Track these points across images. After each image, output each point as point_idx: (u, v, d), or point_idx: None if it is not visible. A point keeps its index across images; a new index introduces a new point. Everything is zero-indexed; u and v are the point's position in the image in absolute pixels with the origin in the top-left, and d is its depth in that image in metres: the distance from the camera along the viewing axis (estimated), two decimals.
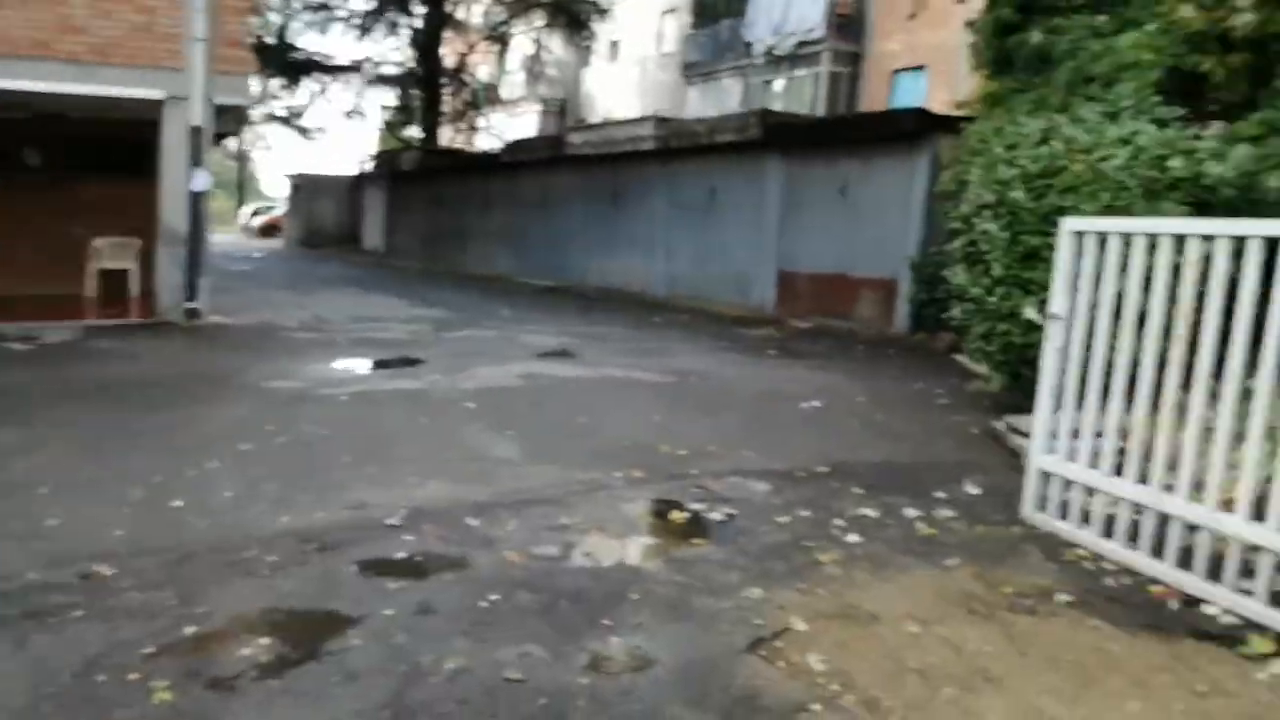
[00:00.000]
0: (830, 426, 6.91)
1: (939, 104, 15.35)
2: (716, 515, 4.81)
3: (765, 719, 2.93)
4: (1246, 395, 3.67)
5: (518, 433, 6.36)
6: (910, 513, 4.86)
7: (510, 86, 37.38)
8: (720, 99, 28.08)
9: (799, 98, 25.75)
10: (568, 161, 18.52)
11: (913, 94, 22.54)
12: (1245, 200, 6.12)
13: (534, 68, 34.28)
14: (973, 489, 5.30)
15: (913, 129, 11.51)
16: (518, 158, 20.66)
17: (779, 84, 26.84)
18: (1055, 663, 3.32)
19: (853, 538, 4.49)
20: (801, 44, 25.76)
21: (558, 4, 29.71)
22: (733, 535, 4.53)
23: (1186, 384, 3.90)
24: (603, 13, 29.77)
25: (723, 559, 4.22)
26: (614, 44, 34.85)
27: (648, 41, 33.33)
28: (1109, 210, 5.64)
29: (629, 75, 34.25)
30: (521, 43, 34.29)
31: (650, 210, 16.57)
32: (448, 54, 31.19)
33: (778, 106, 24.57)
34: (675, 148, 15.74)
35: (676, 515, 4.81)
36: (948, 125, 10.75)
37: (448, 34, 30.85)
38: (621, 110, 31.74)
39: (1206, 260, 3.75)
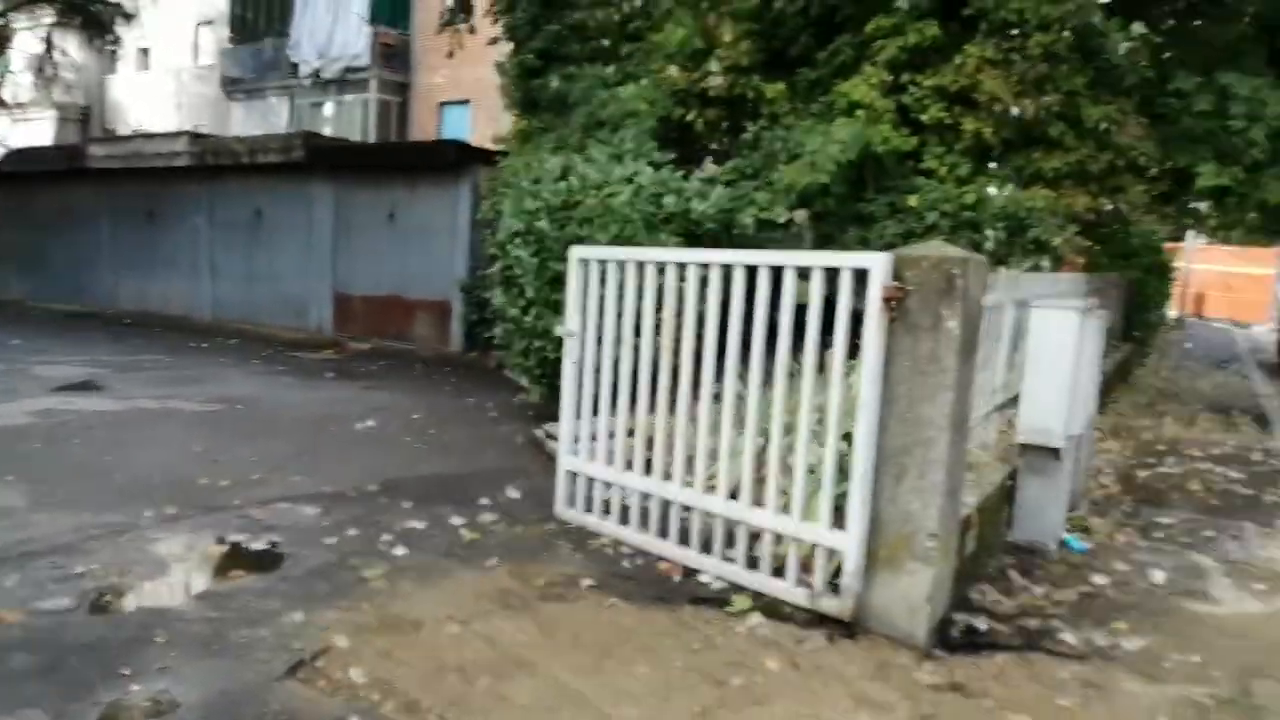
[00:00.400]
0: (384, 445, 7.01)
1: (483, 137, 16.13)
2: (259, 544, 4.70)
3: None
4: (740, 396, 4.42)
5: (22, 478, 5.65)
6: (456, 521, 5.13)
7: (16, 89, 32.13)
8: (267, 117, 26.74)
9: (350, 122, 25.42)
10: (92, 175, 16.45)
11: (459, 126, 23.40)
12: (726, 233, 7.33)
13: (45, 70, 29.80)
14: (514, 493, 5.72)
15: (454, 160, 12.00)
16: (24, 168, 17.89)
17: (329, 107, 26.26)
18: (578, 641, 3.74)
19: (399, 551, 4.64)
20: (348, 70, 25.47)
21: (71, 2, 26.14)
22: (275, 562, 4.47)
23: (690, 387, 4.59)
24: (128, 17, 26.78)
25: (263, 588, 4.14)
26: (144, 51, 31.60)
27: (183, 52, 30.72)
28: (618, 240, 6.45)
29: (163, 86, 31.25)
30: (28, 40, 29.68)
31: (192, 230, 15.33)
32: None
33: (329, 130, 24.05)
34: (216, 165, 14.76)
35: (214, 549, 4.62)
36: (486, 158, 11.41)
37: None
38: (157, 122, 28.84)
39: (704, 282, 4.45)
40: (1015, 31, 7.67)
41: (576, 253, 4.98)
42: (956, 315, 3.65)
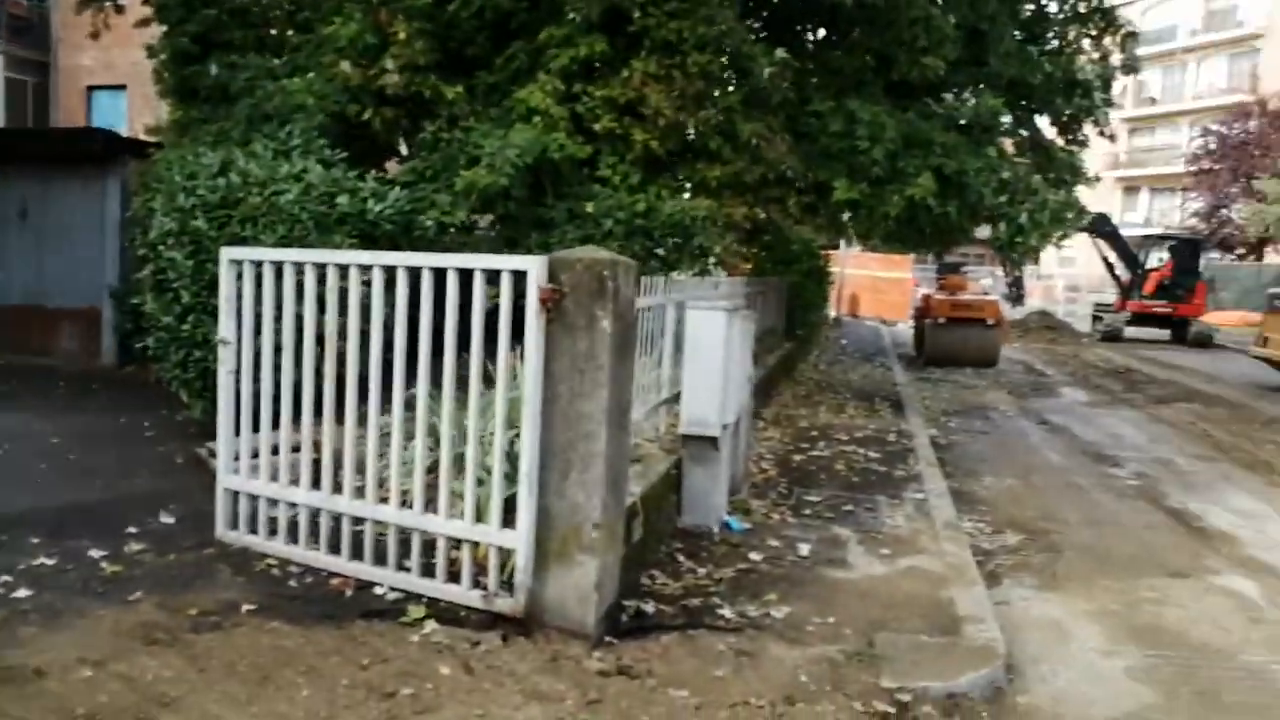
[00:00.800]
0: (9, 475, 6.13)
1: (141, 127, 14.64)
2: None
3: None
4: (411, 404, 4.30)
5: None
6: (96, 554, 4.61)
7: None
8: None
9: None
10: None
11: (113, 113, 21.11)
12: (406, 236, 7.17)
13: None
14: (168, 519, 5.23)
15: (101, 151, 10.77)
16: None
17: None
18: (233, 671, 3.50)
19: (22, 593, 4.09)
20: None
21: None
22: None
23: (364, 396, 4.41)
24: None
25: None
26: None
27: None
28: (286, 241, 6.10)
29: None
30: None
31: None
32: None
33: None
34: None
35: None
36: (140, 149, 10.35)
37: None
38: None
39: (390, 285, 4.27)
40: (676, 50, 8.17)
41: (227, 254, 4.67)
42: (609, 315, 3.83)
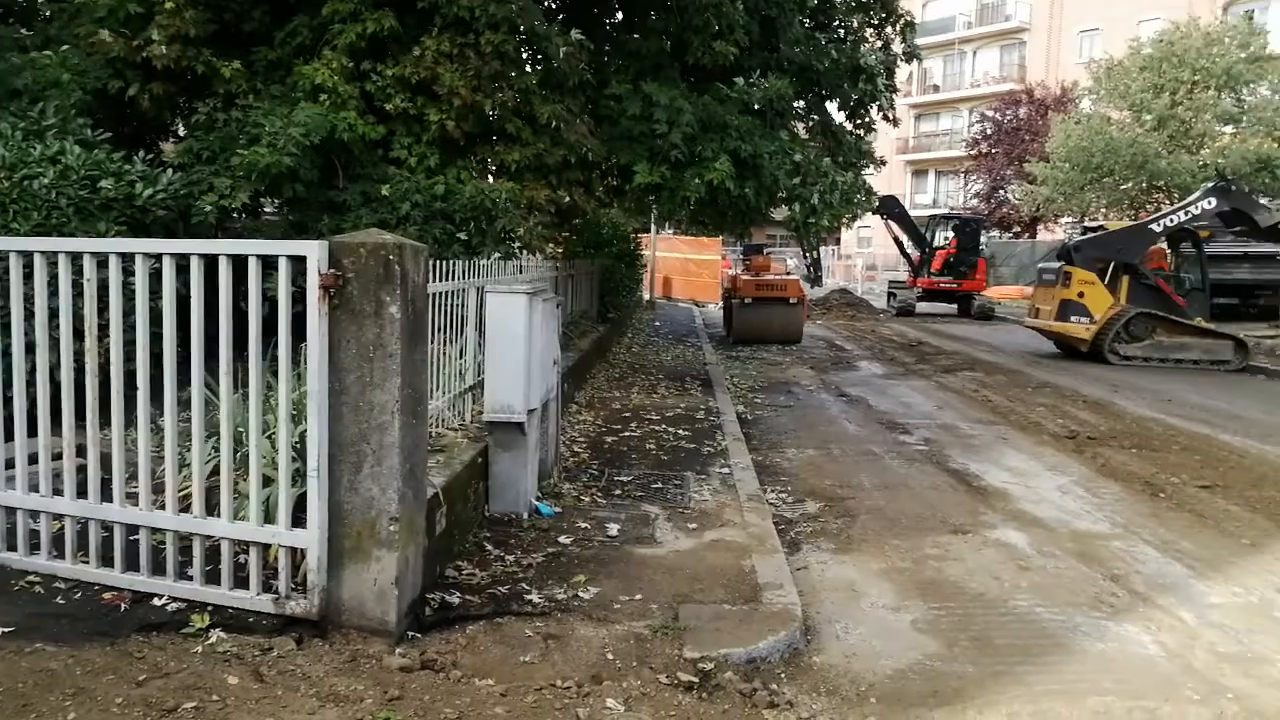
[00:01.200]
0: None
1: None
2: None
3: None
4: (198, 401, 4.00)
5: None
6: None
7: None
8: None
9: None
10: None
11: None
12: (183, 221, 6.68)
13: None
14: None
15: None
16: None
17: None
18: None
19: None
20: None
21: None
22: None
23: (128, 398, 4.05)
24: None
25: None
26: None
27: None
28: (42, 229, 5.56)
29: None
30: None
31: None
32: None
33: None
34: None
35: None
36: None
37: None
38: None
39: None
40: (469, 29, 7.99)
41: None
42: (397, 301, 3.70)
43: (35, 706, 3.17)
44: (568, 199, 9.16)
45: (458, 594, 4.39)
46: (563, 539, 5.31)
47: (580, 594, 4.48)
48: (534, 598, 4.41)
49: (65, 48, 7.08)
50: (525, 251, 8.73)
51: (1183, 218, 15.82)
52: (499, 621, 4.12)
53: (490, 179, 8.77)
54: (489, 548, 5.08)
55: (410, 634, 3.88)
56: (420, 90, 8.05)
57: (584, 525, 5.59)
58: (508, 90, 8.46)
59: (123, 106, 7.76)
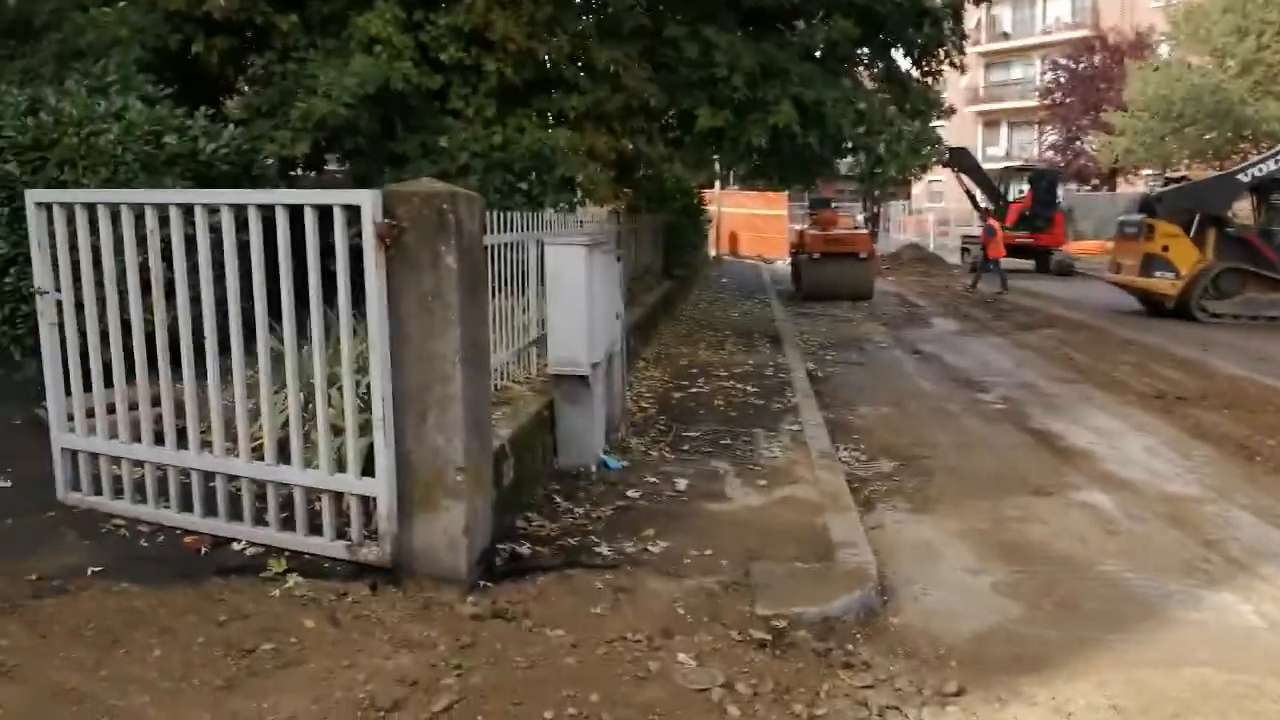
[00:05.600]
0: None
1: None
2: None
3: None
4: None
5: None
6: None
7: None
8: None
9: None
10: None
11: None
12: (246, 175, 6.70)
13: None
14: (4, 483, 4.80)
15: None
16: None
17: None
18: (79, 636, 3.27)
19: None
20: None
21: None
22: None
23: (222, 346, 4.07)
24: None
25: None
26: None
27: None
28: (110, 184, 5.59)
29: None
30: None
31: None
32: None
33: None
34: None
35: None
36: None
37: None
38: None
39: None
40: None
41: (33, 196, 4.25)
42: (454, 251, 3.62)
43: (124, 642, 3.25)
44: (631, 146, 8.98)
45: (527, 545, 4.36)
46: (631, 493, 5.25)
47: (650, 548, 4.42)
48: (603, 550, 4.35)
49: (123, 4, 7.11)
50: (587, 203, 8.61)
51: (1272, 166, 15.02)
52: (569, 573, 4.07)
53: (549, 130, 8.62)
54: (558, 500, 5.04)
55: (481, 583, 3.86)
56: (474, 40, 7.92)
57: (652, 480, 5.52)
58: (563, 36, 8.28)
59: (184, 64, 7.79)
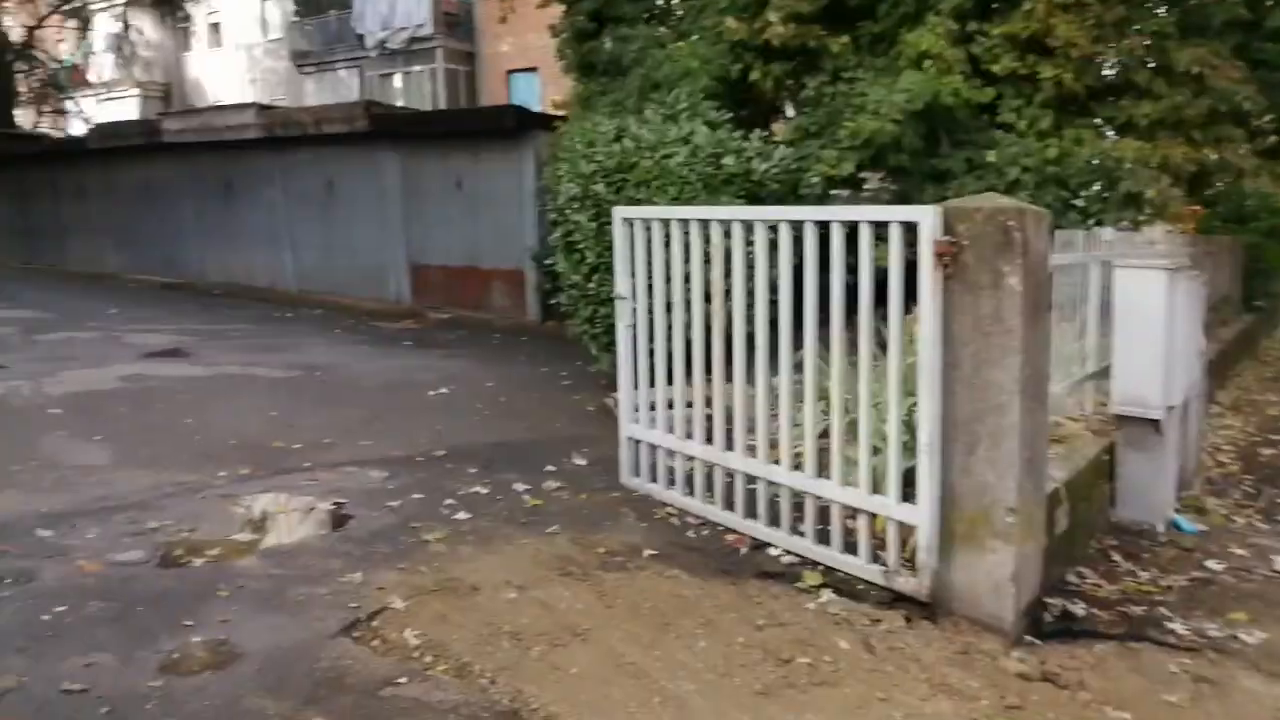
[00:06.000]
0: (454, 412, 6.95)
1: (552, 104, 15.89)
2: (324, 505, 4.67)
3: (349, 697, 2.89)
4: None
5: (109, 438, 5.91)
6: (520, 487, 5.01)
7: (101, 68, 33.11)
8: (338, 90, 26.96)
9: (419, 94, 25.49)
10: (168, 149, 16.67)
11: (528, 93, 23.21)
12: (792, 193, 7.00)
13: (123, 48, 30.70)
14: (580, 461, 5.56)
15: (514, 126, 11.81)
16: (108, 144, 18.24)
17: (398, 79, 26.35)
18: (637, 612, 3.57)
19: (462, 515, 4.55)
20: (413, 40, 25.49)
21: None
22: (339, 523, 4.44)
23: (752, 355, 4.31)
24: None
25: (325, 548, 4.12)
26: (215, 27, 32.21)
27: (252, 27, 31.08)
28: (676, 202, 6.21)
29: (236, 61, 31.71)
30: (107, 20, 30.62)
31: (269, 202, 15.44)
32: (13, 27, 26.86)
33: (400, 102, 24.09)
34: (286, 137, 14.80)
35: (280, 508, 4.63)
36: (546, 123, 11.20)
37: (8, 3, 26.54)
38: (233, 98, 29.35)
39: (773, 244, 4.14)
40: None
41: (620, 213, 4.82)
42: (1018, 271, 3.33)
43: (674, 627, 3.47)
44: (1215, 157, 7.75)
45: (1081, 604, 3.90)
46: (1211, 563, 4.46)
47: (1241, 635, 3.69)
48: (1177, 627, 3.73)
49: (695, 38, 7.83)
50: (1152, 222, 7.62)
51: None
52: (1133, 646, 3.55)
53: (1113, 141, 7.77)
54: (1116, 558, 4.46)
55: (1026, 638, 3.52)
56: (1030, 48, 7.40)
57: (1239, 551, 4.64)
58: (1135, 37, 7.40)
59: (739, 90, 8.36)
